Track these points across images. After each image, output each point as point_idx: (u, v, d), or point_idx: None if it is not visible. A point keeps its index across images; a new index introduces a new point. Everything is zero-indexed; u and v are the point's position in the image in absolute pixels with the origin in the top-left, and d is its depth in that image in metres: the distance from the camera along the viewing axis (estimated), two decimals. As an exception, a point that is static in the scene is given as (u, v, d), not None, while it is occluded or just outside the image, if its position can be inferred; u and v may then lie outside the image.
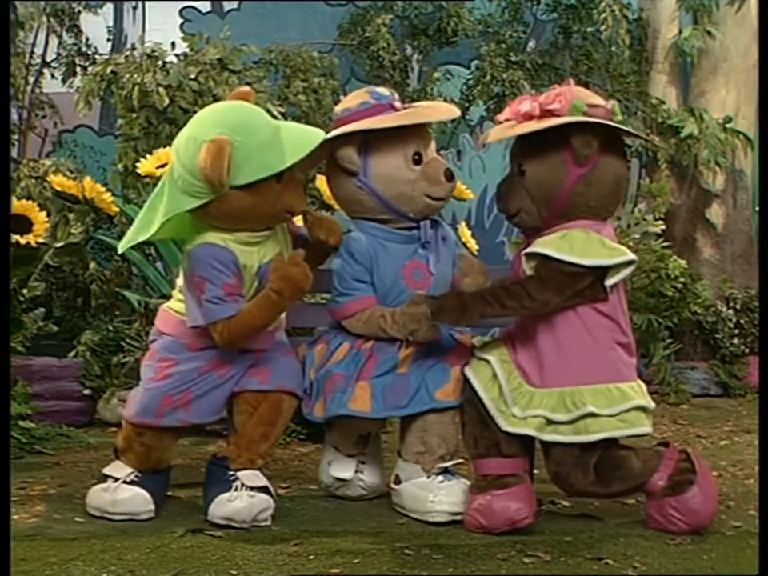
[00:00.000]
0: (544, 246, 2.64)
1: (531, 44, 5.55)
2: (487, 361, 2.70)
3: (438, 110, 2.99)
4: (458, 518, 2.68)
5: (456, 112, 2.94)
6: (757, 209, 5.28)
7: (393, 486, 2.83)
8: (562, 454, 2.62)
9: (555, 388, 2.61)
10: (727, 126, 5.24)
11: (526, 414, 2.62)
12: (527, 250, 2.66)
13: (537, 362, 2.66)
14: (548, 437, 2.60)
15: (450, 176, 2.82)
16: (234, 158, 2.57)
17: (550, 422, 2.60)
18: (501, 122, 2.75)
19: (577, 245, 2.61)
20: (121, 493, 2.71)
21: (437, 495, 2.70)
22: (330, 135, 2.77)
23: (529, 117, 2.66)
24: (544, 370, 2.64)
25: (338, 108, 2.89)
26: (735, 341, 5.05)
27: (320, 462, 2.98)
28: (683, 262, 4.83)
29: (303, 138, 2.69)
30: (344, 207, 2.92)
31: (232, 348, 2.69)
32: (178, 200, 2.63)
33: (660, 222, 4.92)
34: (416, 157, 2.80)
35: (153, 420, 2.71)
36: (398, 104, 2.83)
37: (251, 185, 2.60)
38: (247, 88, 2.85)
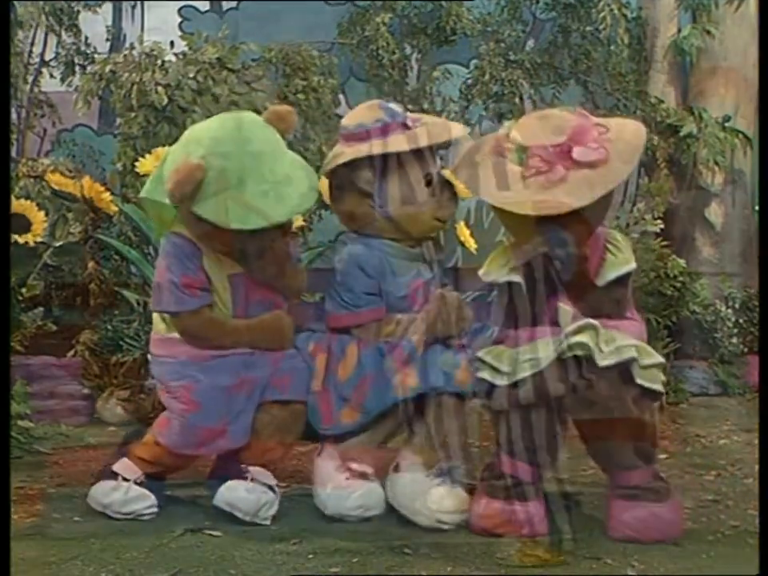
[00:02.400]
0: (625, 263, 2.60)
1: (530, 43, 5.54)
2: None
3: (446, 128, 2.90)
4: (445, 527, 2.62)
5: (462, 130, 2.92)
6: (756, 208, 5.28)
7: (391, 472, 2.76)
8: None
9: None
10: (726, 125, 5.23)
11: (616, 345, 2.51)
12: (615, 276, 2.57)
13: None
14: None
15: (455, 197, 2.86)
16: (202, 189, 2.55)
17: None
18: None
19: (629, 250, 2.64)
20: (132, 494, 2.71)
21: (428, 498, 2.65)
22: (349, 157, 2.74)
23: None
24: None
25: (349, 122, 2.82)
26: (734, 340, 5.04)
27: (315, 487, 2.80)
28: (682, 261, 4.83)
29: (284, 204, 2.63)
30: (352, 224, 2.87)
31: (193, 343, 2.69)
32: (159, 188, 2.66)
33: (659, 221, 4.92)
34: (428, 178, 2.81)
35: (194, 450, 2.72)
36: (409, 122, 2.81)
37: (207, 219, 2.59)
38: (286, 108, 2.80)
